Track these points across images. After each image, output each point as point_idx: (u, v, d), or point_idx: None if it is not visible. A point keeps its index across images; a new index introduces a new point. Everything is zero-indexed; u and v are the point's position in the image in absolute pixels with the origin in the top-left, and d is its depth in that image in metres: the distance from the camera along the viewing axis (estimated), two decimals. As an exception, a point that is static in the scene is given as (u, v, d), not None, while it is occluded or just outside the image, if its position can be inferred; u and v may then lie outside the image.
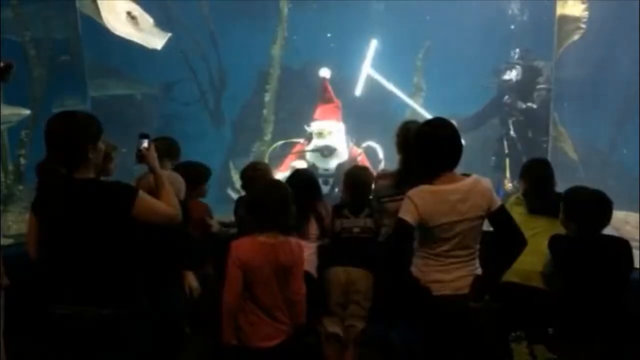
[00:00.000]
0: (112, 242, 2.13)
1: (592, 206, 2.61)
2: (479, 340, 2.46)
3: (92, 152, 2.15)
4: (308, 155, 5.52)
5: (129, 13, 4.70)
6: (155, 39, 5.75)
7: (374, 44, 6.81)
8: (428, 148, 2.44)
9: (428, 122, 2.57)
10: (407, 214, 2.38)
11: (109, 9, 4.63)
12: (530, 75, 6.51)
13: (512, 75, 6.44)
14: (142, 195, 2.17)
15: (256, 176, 3.32)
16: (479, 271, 2.47)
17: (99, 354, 2.12)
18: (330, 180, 5.27)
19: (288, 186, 2.71)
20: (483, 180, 2.47)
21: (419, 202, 2.37)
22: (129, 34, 5.49)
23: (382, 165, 5.88)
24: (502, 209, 2.45)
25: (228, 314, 2.45)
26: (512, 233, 2.45)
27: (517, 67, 6.47)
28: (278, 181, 2.93)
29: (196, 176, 3.23)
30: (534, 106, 6.41)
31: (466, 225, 2.39)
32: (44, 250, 2.20)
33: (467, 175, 2.47)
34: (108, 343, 2.12)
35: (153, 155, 2.32)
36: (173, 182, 2.61)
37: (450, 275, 2.42)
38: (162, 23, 6.39)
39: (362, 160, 5.61)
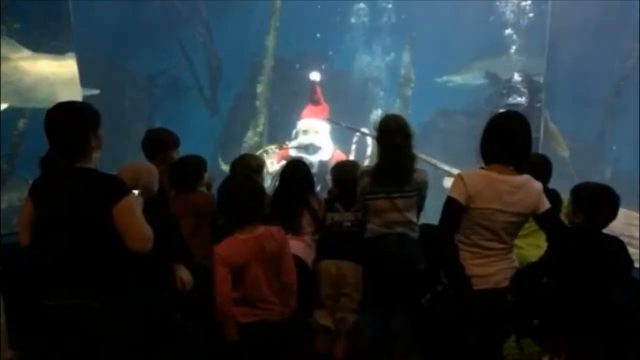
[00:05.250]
0: (102, 233, 2.09)
1: (601, 199, 2.60)
2: (496, 329, 2.53)
3: (95, 139, 2.15)
4: (292, 152, 5.88)
5: None
6: None
7: None
8: (491, 134, 2.47)
9: (503, 112, 2.60)
10: (457, 192, 2.39)
11: None
12: (532, 97, 6.75)
13: (517, 99, 6.61)
14: (132, 200, 2.13)
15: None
16: (516, 263, 2.52)
17: (89, 346, 2.11)
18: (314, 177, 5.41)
19: (255, 177, 2.67)
20: (535, 181, 2.48)
21: (468, 180, 2.39)
22: None
23: (369, 151, 6.36)
24: (551, 212, 2.47)
25: (223, 314, 2.44)
26: (560, 236, 2.49)
27: (522, 90, 6.65)
28: (245, 175, 2.91)
29: (197, 167, 3.25)
30: (540, 136, 6.57)
31: (507, 217, 2.39)
32: (37, 237, 2.18)
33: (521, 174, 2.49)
34: (98, 336, 2.11)
35: None
36: (150, 172, 2.61)
37: (490, 268, 2.44)
38: (160, 13, 6.36)
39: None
